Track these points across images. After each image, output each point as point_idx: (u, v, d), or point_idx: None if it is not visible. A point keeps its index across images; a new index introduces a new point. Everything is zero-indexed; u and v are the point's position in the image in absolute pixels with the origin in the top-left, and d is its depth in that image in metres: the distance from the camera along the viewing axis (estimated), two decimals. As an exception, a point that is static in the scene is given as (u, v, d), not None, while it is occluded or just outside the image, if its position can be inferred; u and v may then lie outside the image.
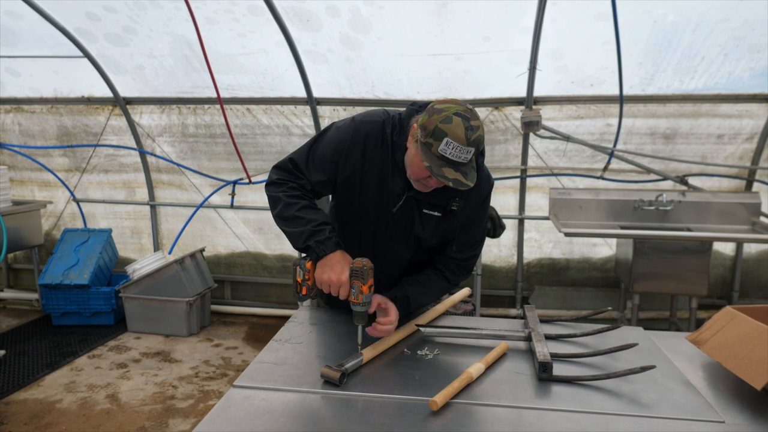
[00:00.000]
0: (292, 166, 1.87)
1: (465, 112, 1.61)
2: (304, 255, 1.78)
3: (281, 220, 1.82)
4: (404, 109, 1.86)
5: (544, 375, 1.61)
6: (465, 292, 2.31)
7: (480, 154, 1.83)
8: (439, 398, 1.43)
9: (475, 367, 1.61)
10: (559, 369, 1.66)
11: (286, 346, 1.82)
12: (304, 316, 2.11)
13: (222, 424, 1.37)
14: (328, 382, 1.56)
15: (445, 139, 1.57)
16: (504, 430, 1.37)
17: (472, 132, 1.59)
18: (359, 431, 1.35)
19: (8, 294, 5.41)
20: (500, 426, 1.38)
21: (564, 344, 1.89)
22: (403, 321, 1.89)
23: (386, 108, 1.91)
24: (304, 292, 1.76)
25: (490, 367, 1.68)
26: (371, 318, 1.78)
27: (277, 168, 1.90)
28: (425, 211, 1.85)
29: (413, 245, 1.92)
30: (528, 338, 1.85)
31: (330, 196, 2.02)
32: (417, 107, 1.80)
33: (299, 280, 1.77)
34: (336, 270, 1.70)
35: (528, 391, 1.56)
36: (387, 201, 1.85)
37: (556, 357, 1.72)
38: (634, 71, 4.01)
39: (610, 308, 2.15)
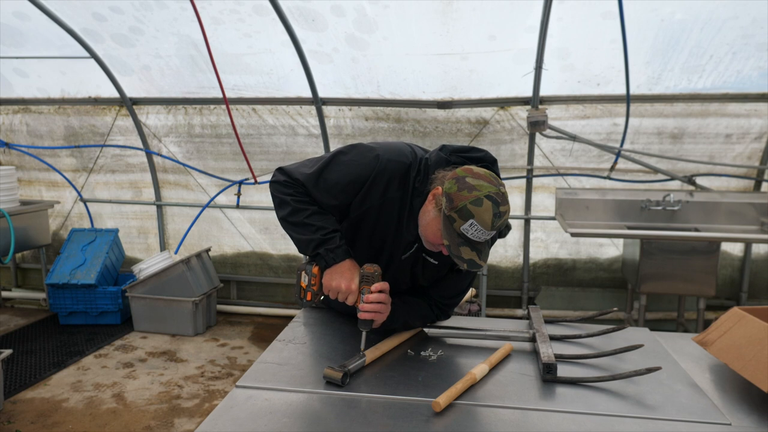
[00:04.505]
0: (299, 184, 1.77)
1: (497, 195, 1.55)
2: (312, 261, 1.75)
3: (289, 224, 1.77)
4: (431, 150, 1.79)
5: (548, 376, 1.60)
6: (469, 292, 2.29)
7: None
8: (442, 399, 1.43)
9: (479, 368, 1.60)
10: (563, 370, 1.64)
11: (289, 347, 1.82)
12: (308, 316, 2.11)
13: (225, 424, 1.37)
14: (331, 383, 1.55)
15: (471, 221, 1.53)
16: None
17: (498, 218, 1.54)
18: (361, 432, 1.34)
19: (16, 293, 5.45)
20: (504, 427, 1.38)
21: (569, 345, 1.88)
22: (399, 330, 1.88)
23: (412, 147, 1.81)
24: (308, 297, 1.74)
25: (494, 368, 1.67)
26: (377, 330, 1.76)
27: (285, 173, 1.79)
28: (425, 256, 1.83)
29: (410, 282, 1.91)
30: (532, 339, 1.84)
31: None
32: (446, 153, 1.73)
33: (303, 285, 1.74)
34: (346, 277, 1.68)
35: (532, 392, 1.55)
36: (397, 245, 1.80)
37: (561, 358, 1.71)
38: (641, 70, 3.99)
39: (616, 309, 2.13)
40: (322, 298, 1.77)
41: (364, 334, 1.69)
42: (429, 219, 1.66)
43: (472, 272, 1.95)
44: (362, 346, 1.68)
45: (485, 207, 1.53)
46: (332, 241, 1.71)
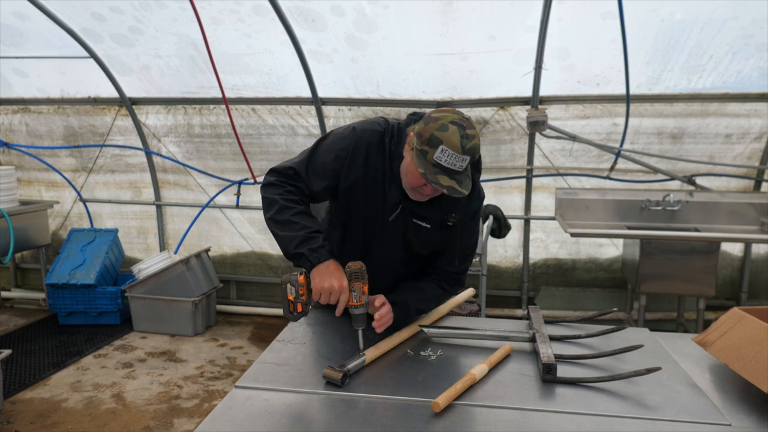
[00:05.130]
0: (293, 173, 1.84)
1: (461, 120, 1.63)
2: (294, 273, 1.73)
3: (274, 223, 1.78)
4: (403, 118, 1.88)
5: (548, 376, 1.59)
6: (469, 292, 2.29)
7: (477, 170, 1.86)
8: (442, 400, 1.42)
9: (479, 369, 1.60)
10: (563, 370, 1.64)
11: (288, 347, 1.82)
12: (307, 316, 2.10)
13: (224, 424, 1.37)
14: (331, 383, 1.55)
15: (441, 147, 1.58)
16: (507, 432, 1.36)
17: (467, 140, 1.60)
18: (361, 432, 1.34)
19: (15, 293, 5.44)
20: (503, 428, 1.37)
21: (569, 345, 1.87)
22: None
23: (385, 117, 1.92)
24: (299, 309, 1.70)
25: (493, 369, 1.67)
26: (369, 318, 1.77)
27: (276, 172, 1.86)
28: (415, 221, 1.86)
29: (405, 252, 1.93)
30: (532, 339, 1.83)
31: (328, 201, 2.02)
32: (416, 117, 1.81)
33: (291, 298, 1.70)
34: (336, 276, 1.68)
35: (532, 392, 1.54)
36: (384, 209, 1.85)
37: (561, 358, 1.70)
38: (641, 70, 3.98)
39: (615, 309, 2.13)
40: (310, 308, 1.74)
41: (360, 332, 1.69)
42: (406, 164, 1.74)
43: (475, 235, 1.99)
44: (360, 345, 1.68)
45: (452, 131, 1.60)
46: (315, 240, 1.72)
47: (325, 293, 1.67)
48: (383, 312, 1.77)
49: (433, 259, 1.97)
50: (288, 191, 1.80)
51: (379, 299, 1.81)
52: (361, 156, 1.81)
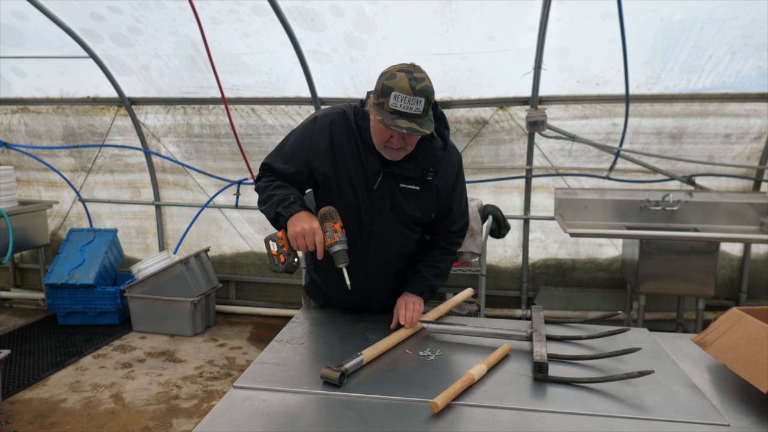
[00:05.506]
0: (266, 167, 2.01)
1: (408, 67, 1.72)
2: (274, 232, 1.86)
3: (261, 204, 1.94)
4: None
5: (539, 375, 1.59)
6: (468, 292, 2.29)
7: (445, 126, 1.95)
8: (440, 400, 1.42)
9: (477, 369, 1.60)
10: (561, 371, 1.64)
11: (287, 347, 1.82)
12: (306, 317, 2.11)
13: (222, 424, 1.37)
14: (329, 383, 1.55)
15: (393, 93, 1.67)
16: (505, 433, 1.36)
17: (416, 82, 1.68)
18: (359, 433, 1.34)
19: (14, 293, 5.44)
20: (502, 428, 1.37)
21: (569, 346, 1.87)
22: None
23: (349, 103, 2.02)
24: (282, 260, 1.82)
25: (492, 369, 1.67)
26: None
27: (258, 174, 2.04)
28: (402, 185, 1.92)
29: (399, 221, 1.97)
30: (530, 338, 1.83)
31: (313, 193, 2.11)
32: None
33: (274, 252, 1.83)
34: (305, 220, 1.79)
35: (530, 393, 1.54)
36: (366, 181, 1.91)
37: (558, 358, 1.71)
38: (640, 70, 3.98)
39: (619, 312, 2.12)
40: (296, 260, 1.85)
41: (344, 270, 1.77)
42: (372, 123, 1.82)
43: (465, 190, 2.08)
44: (347, 282, 1.77)
45: (399, 77, 1.68)
46: (287, 200, 1.84)
47: (299, 237, 1.77)
48: (409, 317, 1.90)
49: (433, 225, 2.06)
50: (267, 177, 1.98)
51: (401, 307, 1.93)
52: (325, 139, 1.90)
